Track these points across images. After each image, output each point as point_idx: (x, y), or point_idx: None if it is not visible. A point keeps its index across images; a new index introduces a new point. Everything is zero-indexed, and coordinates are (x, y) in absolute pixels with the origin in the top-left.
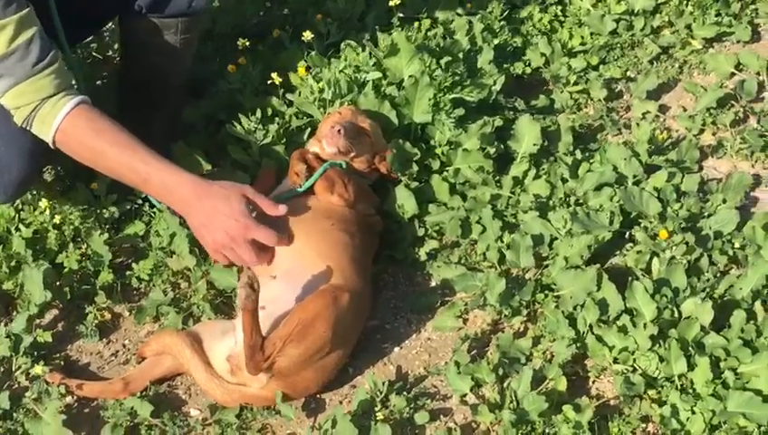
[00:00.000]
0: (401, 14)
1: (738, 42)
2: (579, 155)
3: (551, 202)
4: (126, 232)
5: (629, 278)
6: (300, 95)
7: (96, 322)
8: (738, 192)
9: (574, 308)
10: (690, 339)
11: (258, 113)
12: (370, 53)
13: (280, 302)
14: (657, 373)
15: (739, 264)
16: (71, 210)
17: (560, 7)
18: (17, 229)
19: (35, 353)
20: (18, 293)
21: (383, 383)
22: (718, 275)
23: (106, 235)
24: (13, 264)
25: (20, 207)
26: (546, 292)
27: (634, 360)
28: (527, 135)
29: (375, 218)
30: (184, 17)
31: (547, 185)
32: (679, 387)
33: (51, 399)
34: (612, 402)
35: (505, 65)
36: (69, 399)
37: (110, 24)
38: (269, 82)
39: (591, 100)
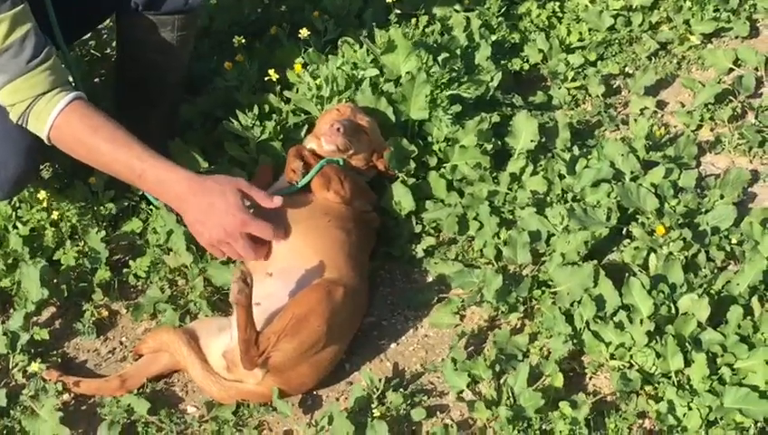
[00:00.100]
0: (398, 11)
1: (736, 37)
2: (576, 151)
3: (548, 198)
4: (123, 229)
5: (626, 274)
6: (297, 92)
7: (93, 319)
8: (736, 188)
9: (571, 304)
10: (687, 335)
11: (255, 110)
12: (368, 50)
13: (276, 298)
14: (654, 369)
15: (736, 260)
16: (68, 207)
17: (558, 3)
18: (14, 227)
19: (32, 351)
20: (15, 290)
21: (380, 380)
22: (715, 270)
23: (103, 232)
24: (10, 261)
25: (17, 204)
26: (543, 288)
27: (631, 356)
28: (524, 131)
29: (372, 215)
30: (180, 14)
31: (544, 181)
32: (676, 383)
33: (48, 396)
34: (609, 399)
35: (503, 61)
36: (66, 396)
37: (108, 22)
38: (266, 79)
39: (589, 96)
